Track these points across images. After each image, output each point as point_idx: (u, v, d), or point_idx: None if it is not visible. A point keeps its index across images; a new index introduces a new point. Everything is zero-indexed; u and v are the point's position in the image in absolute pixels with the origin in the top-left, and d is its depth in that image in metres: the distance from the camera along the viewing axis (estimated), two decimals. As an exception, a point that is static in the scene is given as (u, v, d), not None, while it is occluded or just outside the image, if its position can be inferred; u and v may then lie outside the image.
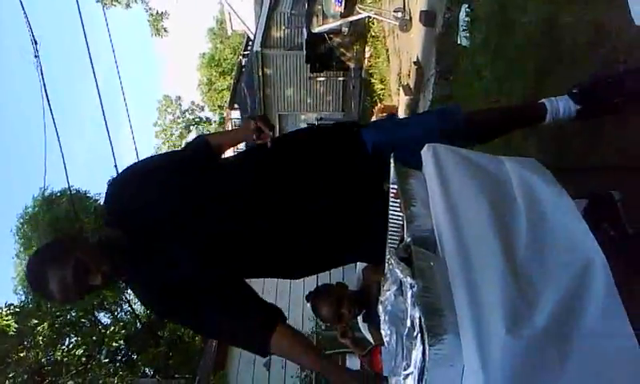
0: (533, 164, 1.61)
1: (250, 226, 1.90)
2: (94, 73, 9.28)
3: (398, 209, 1.62)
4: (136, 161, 2.11)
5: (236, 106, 18.87)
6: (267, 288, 9.01)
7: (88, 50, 9.20)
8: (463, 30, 4.78)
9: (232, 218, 1.90)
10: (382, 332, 1.26)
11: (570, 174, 2.39)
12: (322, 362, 1.97)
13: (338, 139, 2.09)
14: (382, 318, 1.28)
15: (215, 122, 32.15)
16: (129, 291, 15.18)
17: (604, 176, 2.35)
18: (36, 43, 8.66)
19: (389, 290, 1.25)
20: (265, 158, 2.00)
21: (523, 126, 2.55)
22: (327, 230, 1.96)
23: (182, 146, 2.16)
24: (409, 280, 1.17)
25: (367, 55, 12.53)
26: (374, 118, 10.07)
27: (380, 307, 1.29)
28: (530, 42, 3.33)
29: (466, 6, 4.77)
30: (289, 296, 8.36)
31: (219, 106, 30.19)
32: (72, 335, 12.39)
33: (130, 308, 15.22)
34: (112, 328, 12.90)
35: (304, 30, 12.88)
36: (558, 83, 2.94)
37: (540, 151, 3.02)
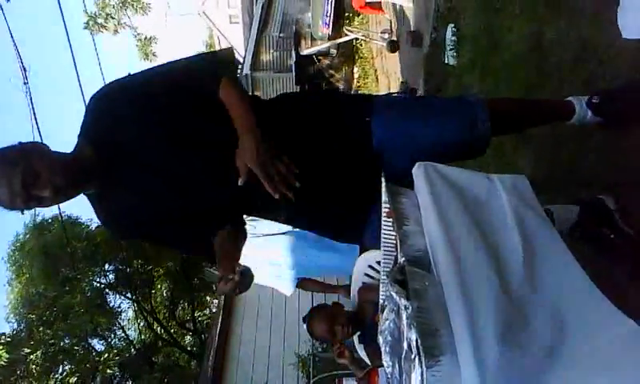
0: (522, 182, 1.62)
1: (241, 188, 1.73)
2: (84, 100, 9.28)
3: (391, 228, 1.62)
4: (133, 73, 1.90)
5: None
6: (262, 305, 8.99)
7: (78, 77, 9.24)
8: (450, 50, 4.82)
9: (224, 172, 1.74)
10: (384, 363, 1.25)
11: (561, 185, 2.41)
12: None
13: (348, 122, 1.90)
14: (382, 349, 1.27)
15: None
16: (122, 317, 15.12)
17: (594, 186, 2.37)
18: (25, 70, 8.67)
19: (387, 320, 1.25)
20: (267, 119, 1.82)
21: (546, 122, 2.33)
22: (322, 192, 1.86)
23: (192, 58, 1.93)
24: (403, 302, 1.17)
25: (356, 76, 12.63)
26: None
27: (380, 338, 1.28)
28: (517, 59, 3.38)
29: (452, 25, 4.82)
30: (284, 318, 8.32)
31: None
32: (65, 363, 12.24)
33: (123, 334, 15.09)
34: (106, 355, 12.75)
35: (292, 52, 12.97)
36: (547, 96, 2.97)
37: (529, 163, 3.05)
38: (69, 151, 1.77)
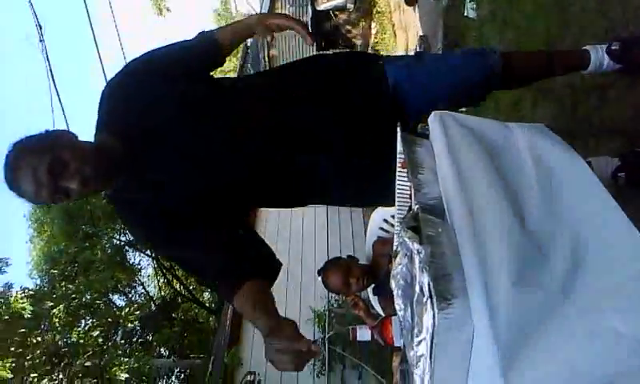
0: (542, 129, 1.60)
1: (258, 157, 1.76)
2: (99, 57, 9.28)
3: (406, 178, 1.62)
4: (136, 57, 1.84)
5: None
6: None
7: (93, 34, 9.20)
8: (470, 2, 4.71)
9: (240, 145, 1.74)
10: (397, 306, 1.26)
11: (581, 139, 2.37)
12: (255, 314, 1.62)
13: (361, 71, 1.92)
14: (395, 292, 1.27)
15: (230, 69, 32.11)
16: (142, 273, 15.38)
17: (615, 140, 2.33)
18: (41, 27, 8.66)
19: (400, 264, 1.25)
20: (279, 85, 1.87)
21: (564, 72, 2.31)
22: (337, 157, 1.85)
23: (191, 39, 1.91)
24: (416, 246, 1.16)
25: (373, 31, 12.41)
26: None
27: (392, 282, 1.28)
28: (539, 10, 3.29)
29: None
30: (300, 275, 8.40)
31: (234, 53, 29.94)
32: (88, 317, 12.54)
33: (143, 290, 15.39)
34: (126, 309, 13.02)
35: (309, 7, 12.77)
36: (576, 40, 2.90)
37: (548, 118, 2.99)
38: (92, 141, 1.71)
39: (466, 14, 4.82)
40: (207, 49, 1.86)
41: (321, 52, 14.55)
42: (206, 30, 1.90)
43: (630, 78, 2.21)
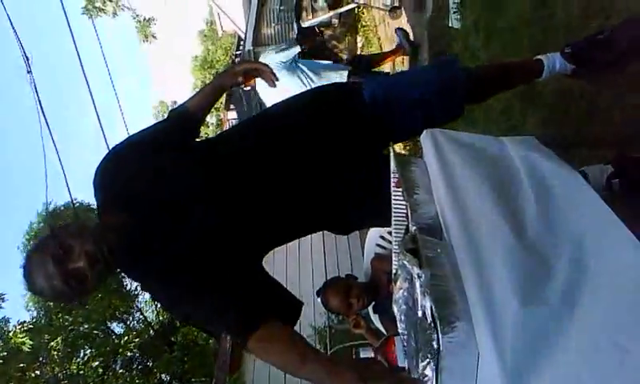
0: (532, 142, 1.61)
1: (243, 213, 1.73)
2: (87, 84, 9.26)
3: (401, 198, 1.62)
4: (121, 141, 1.88)
5: (232, 106, 18.81)
6: (277, 278, 9.00)
7: (80, 63, 9.18)
8: (454, 13, 4.74)
9: (228, 204, 1.72)
10: (400, 331, 1.26)
11: (573, 148, 2.38)
12: (306, 366, 1.48)
13: (341, 107, 1.94)
14: (397, 317, 1.27)
15: (212, 124, 32.15)
16: (139, 299, 15.23)
17: (605, 147, 2.34)
18: (27, 59, 8.63)
19: (401, 288, 1.24)
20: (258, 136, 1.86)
21: (522, 81, 2.44)
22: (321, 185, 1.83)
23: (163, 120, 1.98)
24: (416, 270, 1.16)
25: (359, 45, 12.48)
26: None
27: (395, 307, 1.28)
28: (523, 19, 3.31)
29: (456, -2, 4.74)
30: (298, 292, 8.37)
31: (215, 108, 30.10)
32: (86, 347, 12.42)
33: (141, 316, 15.25)
34: (125, 337, 12.89)
35: (294, 25, 12.81)
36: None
37: (538, 126, 3.01)
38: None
39: (450, 24, 4.86)
40: (181, 124, 1.91)
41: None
42: (174, 107, 2.00)
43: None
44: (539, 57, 2.19)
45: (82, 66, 8.97)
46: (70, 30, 8.55)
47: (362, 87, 1.94)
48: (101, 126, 9.45)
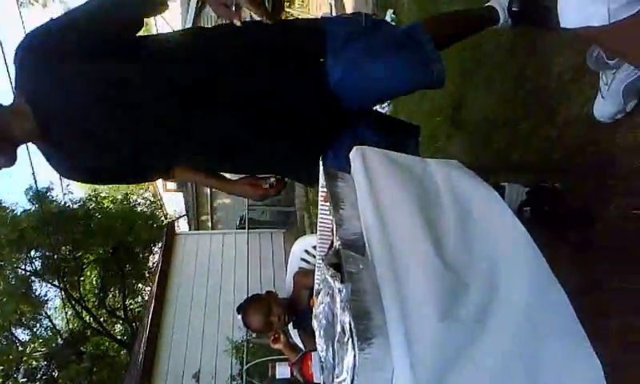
0: (456, 165, 1.65)
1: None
2: (9, 77, 8.79)
3: (327, 213, 1.61)
4: (56, 18, 1.78)
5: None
6: (196, 290, 8.83)
7: (4, 55, 8.73)
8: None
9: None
10: (318, 346, 1.24)
11: (493, 173, 2.47)
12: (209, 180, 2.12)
13: (301, 65, 1.86)
14: (317, 332, 1.25)
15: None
16: (48, 305, 14.51)
17: (525, 174, 2.44)
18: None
19: (322, 303, 1.23)
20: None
21: (480, 28, 2.35)
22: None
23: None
24: (337, 285, 1.15)
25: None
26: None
27: (315, 322, 1.26)
28: (454, 47, 3.41)
29: (391, 11, 4.84)
30: (218, 308, 8.22)
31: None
32: (-14, 354, 11.68)
33: (50, 323, 14.52)
34: (31, 345, 12.24)
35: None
36: (480, 86, 3.03)
37: (462, 151, 3.11)
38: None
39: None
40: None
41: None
42: None
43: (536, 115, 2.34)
44: (491, 4, 2.20)
45: (4, 58, 8.52)
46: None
47: (329, 61, 1.84)
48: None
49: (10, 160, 1.72)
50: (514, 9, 2.17)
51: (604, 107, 1.93)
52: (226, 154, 1.93)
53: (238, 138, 1.84)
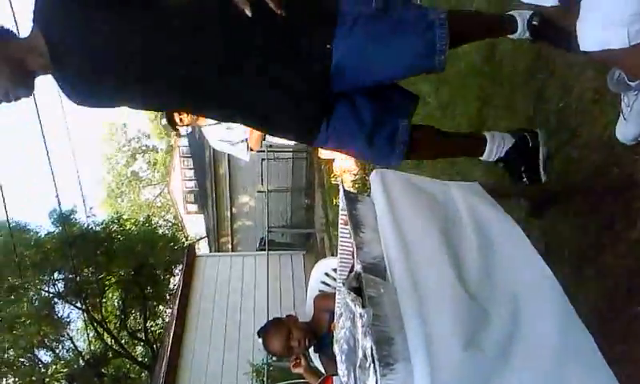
0: (476, 188, 1.64)
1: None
2: (35, 102, 8.98)
3: (348, 236, 1.61)
4: None
5: (182, 133, 18.63)
6: (217, 314, 8.85)
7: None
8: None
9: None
10: (340, 372, 1.24)
11: (514, 195, 2.45)
12: None
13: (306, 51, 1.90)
14: (338, 357, 1.25)
15: (162, 149, 31.70)
16: (71, 327, 14.63)
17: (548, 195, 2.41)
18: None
19: (343, 328, 1.23)
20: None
21: (498, 33, 2.38)
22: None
23: None
24: (359, 310, 1.15)
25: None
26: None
27: (336, 347, 1.26)
28: (472, 68, 3.43)
29: None
30: (239, 327, 8.22)
31: (166, 134, 29.81)
32: (9, 376, 11.77)
33: (72, 345, 14.62)
34: (53, 367, 12.31)
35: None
36: (500, 108, 3.02)
37: (482, 174, 3.09)
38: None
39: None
40: None
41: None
42: None
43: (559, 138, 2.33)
44: (512, 13, 2.19)
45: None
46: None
47: (332, 54, 1.86)
48: (45, 146, 9.11)
49: (29, 91, 1.84)
50: (533, 23, 2.17)
51: (626, 129, 1.91)
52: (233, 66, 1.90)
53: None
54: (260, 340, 2.51)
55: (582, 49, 1.25)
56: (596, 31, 1.20)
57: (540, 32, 2.18)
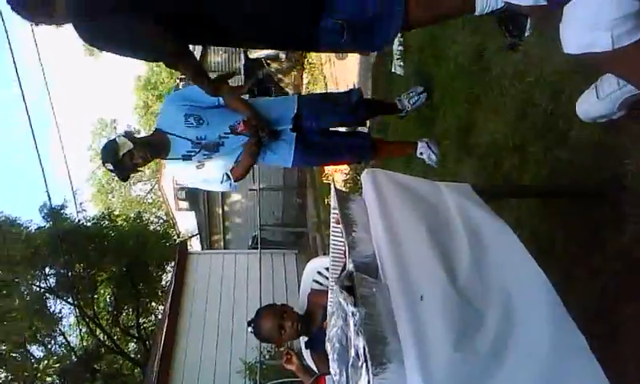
0: (466, 189, 1.66)
1: None
2: (22, 95, 8.94)
3: (340, 235, 1.63)
4: None
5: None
6: (210, 311, 8.83)
7: (16, 70, 8.87)
8: (397, 59, 4.86)
9: None
10: (332, 370, 1.26)
11: (504, 198, 2.48)
12: None
13: None
14: (330, 356, 1.27)
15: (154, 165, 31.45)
16: (63, 323, 14.54)
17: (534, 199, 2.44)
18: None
19: (335, 326, 1.25)
20: None
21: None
22: None
23: None
24: (351, 308, 1.17)
25: (305, 81, 12.62)
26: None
27: (328, 345, 1.28)
28: (461, 70, 3.45)
29: (399, 35, 4.87)
30: (232, 325, 8.21)
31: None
32: (1, 370, 11.72)
33: (64, 340, 14.55)
34: (45, 362, 12.25)
35: (241, 55, 12.86)
36: (488, 110, 3.05)
37: (472, 175, 3.12)
38: None
39: (393, 70, 4.98)
40: None
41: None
42: None
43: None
44: None
45: (17, 72, 8.66)
46: (7, 36, 8.26)
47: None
48: (34, 140, 9.11)
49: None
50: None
51: (594, 108, 1.91)
52: None
53: None
54: (250, 329, 2.53)
55: (565, 51, 1.27)
56: (578, 34, 1.22)
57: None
